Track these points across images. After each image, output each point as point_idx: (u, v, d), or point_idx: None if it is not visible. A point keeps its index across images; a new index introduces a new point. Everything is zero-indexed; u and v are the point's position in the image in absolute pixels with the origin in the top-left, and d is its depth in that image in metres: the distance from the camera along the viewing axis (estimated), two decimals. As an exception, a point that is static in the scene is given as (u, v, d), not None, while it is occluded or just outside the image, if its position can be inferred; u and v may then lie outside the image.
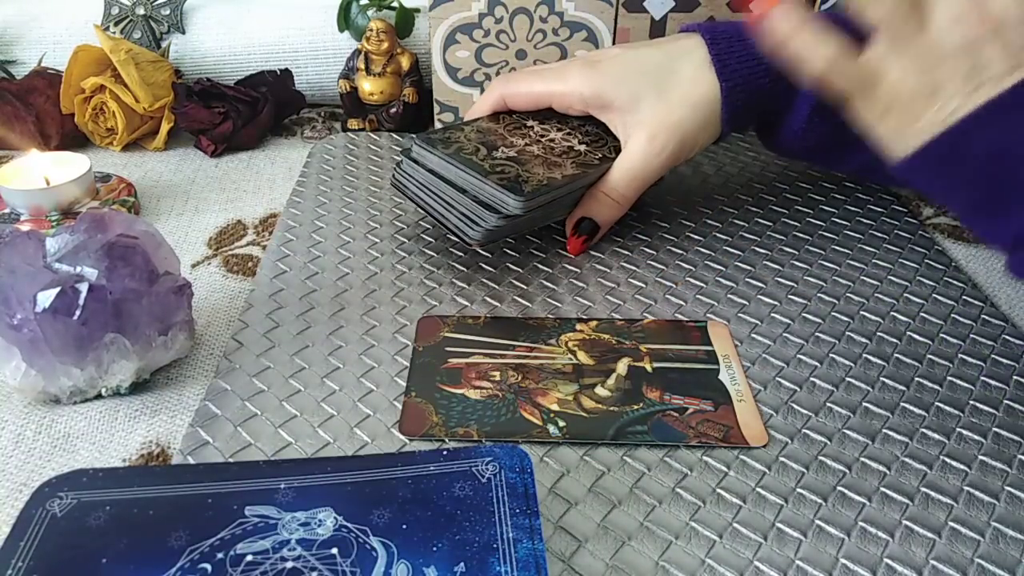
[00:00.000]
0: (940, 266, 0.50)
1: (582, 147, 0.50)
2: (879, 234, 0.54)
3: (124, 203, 0.56)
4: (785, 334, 0.44)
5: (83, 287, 0.37)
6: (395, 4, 0.70)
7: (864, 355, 0.42)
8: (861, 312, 0.46)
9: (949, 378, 0.41)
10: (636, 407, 0.39)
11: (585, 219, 0.50)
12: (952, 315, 0.46)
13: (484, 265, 0.50)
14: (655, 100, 0.48)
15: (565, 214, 0.51)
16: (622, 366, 0.41)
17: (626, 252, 0.51)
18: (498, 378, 0.40)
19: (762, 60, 0.47)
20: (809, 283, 0.48)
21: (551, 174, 0.47)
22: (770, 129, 0.52)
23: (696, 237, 0.53)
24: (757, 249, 0.52)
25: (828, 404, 0.39)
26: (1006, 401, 0.39)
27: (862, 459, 0.36)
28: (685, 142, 0.49)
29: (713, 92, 0.48)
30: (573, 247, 0.51)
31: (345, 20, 0.71)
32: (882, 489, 0.35)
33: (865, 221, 0.55)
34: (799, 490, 0.35)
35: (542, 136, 0.51)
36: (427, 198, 0.49)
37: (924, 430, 0.38)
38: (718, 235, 0.53)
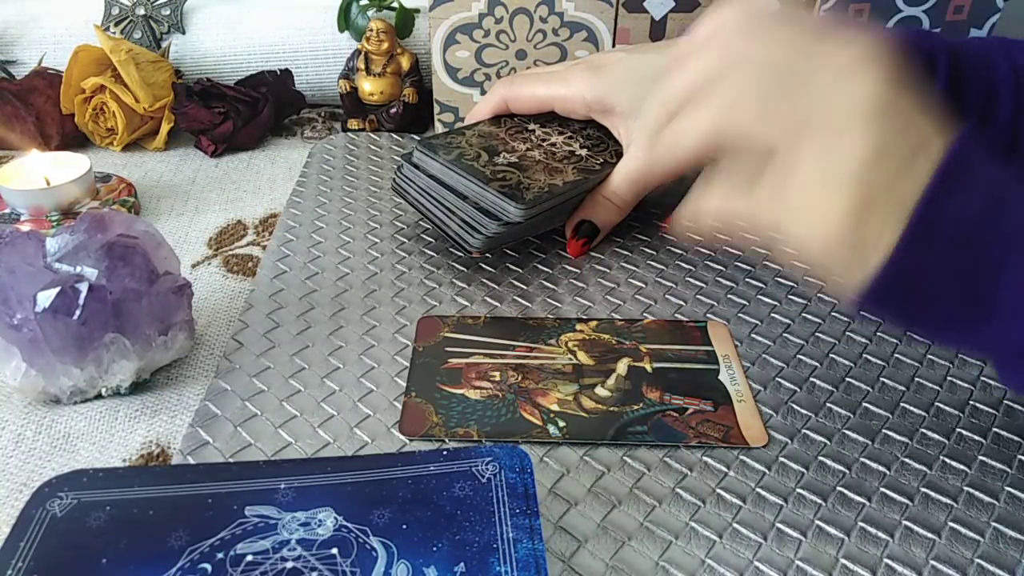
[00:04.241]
0: (940, 266, 0.50)
1: (583, 152, 0.50)
2: (879, 234, 0.54)
3: (124, 203, 0.56)
4: (785, 334, 0.44)
5: (83, 287, 0.37)
6: (395, 4, 0.70)
7: (864, 355, 0.42)
8: (860, 312, 0.46)
9: (949, 378, 0.41)
10: (636, 407, 0.39)
11: (585, 222, 0.50)
12: (952, 315, 0.46)
13: (484, 265, 0.50)
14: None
15: (566, 219, 0.51)
16: (622, 366, 0.41)
17: (626, 252, 0.51)
18: (498, 378, 0.40)
19: None
20: (809, 283, 0.48)
21: (552, 180, 0.47)
22: None
23: (696, 237, 0.53)
24: (757, 249, 0.52)
25: (828, 404, 0.39)
26: (1006, 401, 0.39)
27: (862, 459, 0.36)
28: None
29: None
30: (573, 250, 0.51)
31: (345, 20, 0.71)
32: (882, 489, 0.35)
33: (865, 221, 0.55)
34: (799, 490, 0.35)
35: (543, 140, 0.51)
36: (428, 204, 0.49)
37: (924, 430, 0.38)
38: (718, 235, 0.53)
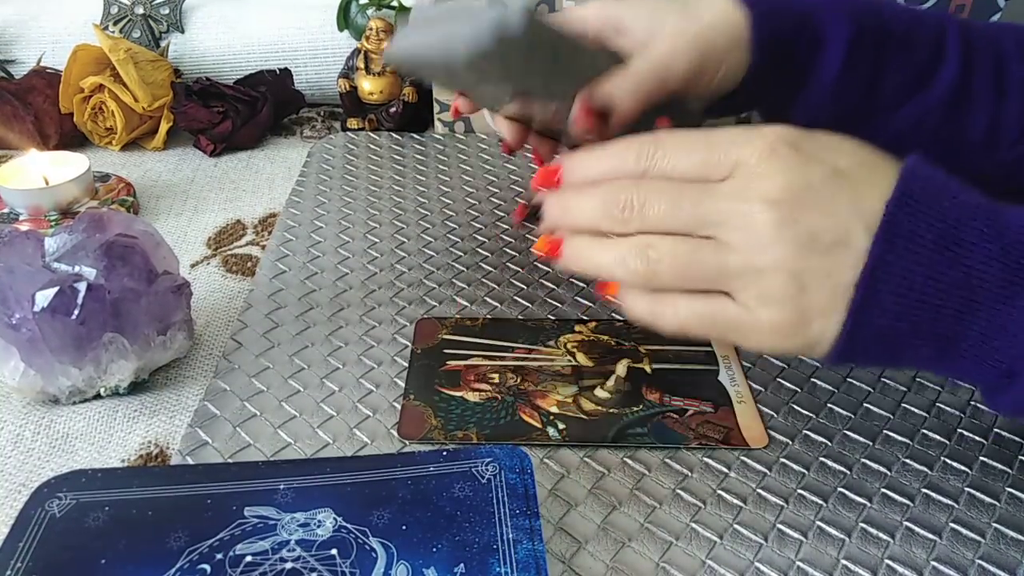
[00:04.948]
0: (940, 267, 0.50)
1: None
2: (879, 235, 0.53)
3: (123, 203, 0.55)
4: (785, 335, 0.44)
5: (81, 286, 0.37)
6: (395, 3, 0.70)
7: (864, 356, 0.42)
8: (861, 313, 0.46)
9: (950, 378, 0.41)
10: (636, 409, 0.38)
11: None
12: (952, 316, 0.45)
13: (484, 265, 0.50)
14: (676, 19, 0.44)
15: (566, 90, 0.42)
16: (621, 367, 0.41)
17: (626, 252, 0.51)
18: (497, 380, 0.40)
19: (792, 5, 0.44)
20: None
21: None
22: (795, 91, 0.47)
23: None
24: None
25: (829, 405, 0.39)
26: (1007, 402, 0.39)
27: (863, 460, 0.36)
28: (709, 55, 0.43)
29: (740, 17, 0.44)
30: (583, 121, 0.43)
31: (344, 19, 0.71)
32: (883, 490, 0.34)
33: (865, 222, 0.55)
34: (800, 491, 0.34)
35: None
36: (421, 38, 0.40)
37: (925, 431, 0.37)
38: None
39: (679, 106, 0.43)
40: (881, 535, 0.33)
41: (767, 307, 0.32)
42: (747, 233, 0.33)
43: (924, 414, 0.38)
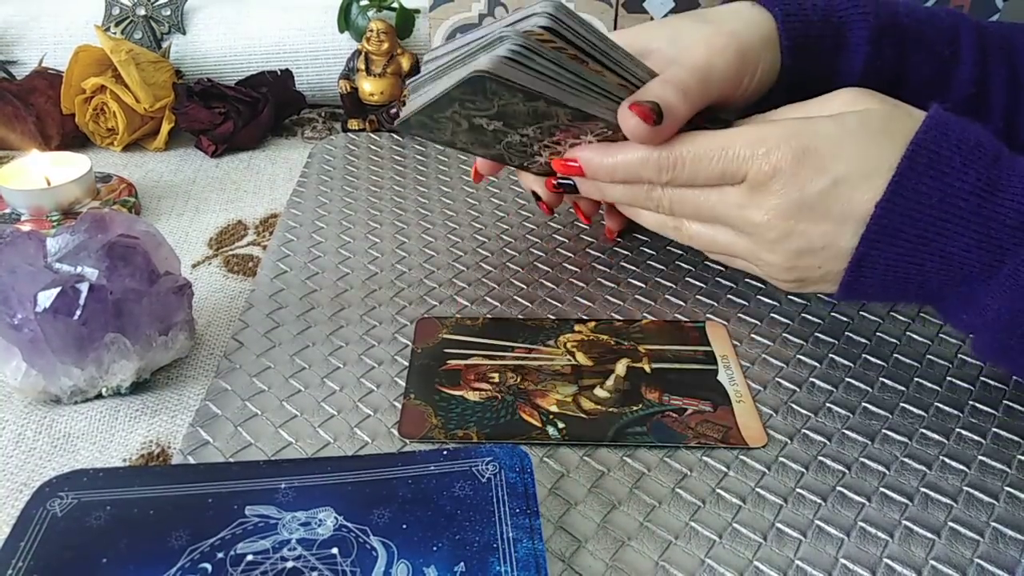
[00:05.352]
0: (940, 266, 0.50)
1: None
2: (879, 234, 0.54)
3: (125, 203, 0.56)
4: (785, 334, 0.44)
5: (83, 287, 0.37)
6: (395, 5, 0.70)
7: (864, 355, 0.42)
8: (860, 312, 0.46)
9: (949, 378, 0.41)
10: (635, 408, 0.39)
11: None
12: (952, 315, 0.46)
13: (484, 265, 0.50)
14: (704, 27, 0.42)
15: (581, 98, 0.38)
16: (621, 367, 0.41)
17: (626, 252, 0.51)
18: (497, 380, 0.40)
19: (809, 6, 0.44)
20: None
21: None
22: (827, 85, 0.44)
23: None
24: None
25: (828, 404, 0.39)
26: (1005, 401, 0.39)
27: (861, 459, 0.36)
28: (746, 53, 0.42)
29: (766, 16, 0.43)
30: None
31: (345, 21, 0.71)
32: (882, 489, 0.35)
33: (865, 221, 0.55)
34: (799, 490, 0.35)
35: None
36: (441, 72, 0.40)
37: (923, 430, 0.38)
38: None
39: (712, 123, 0.41)
40: (880, 534, 0.33)
41: (771, 277, 0.40)
42: (751, 238, 0.38)
43: (923, 413, 0.39)
